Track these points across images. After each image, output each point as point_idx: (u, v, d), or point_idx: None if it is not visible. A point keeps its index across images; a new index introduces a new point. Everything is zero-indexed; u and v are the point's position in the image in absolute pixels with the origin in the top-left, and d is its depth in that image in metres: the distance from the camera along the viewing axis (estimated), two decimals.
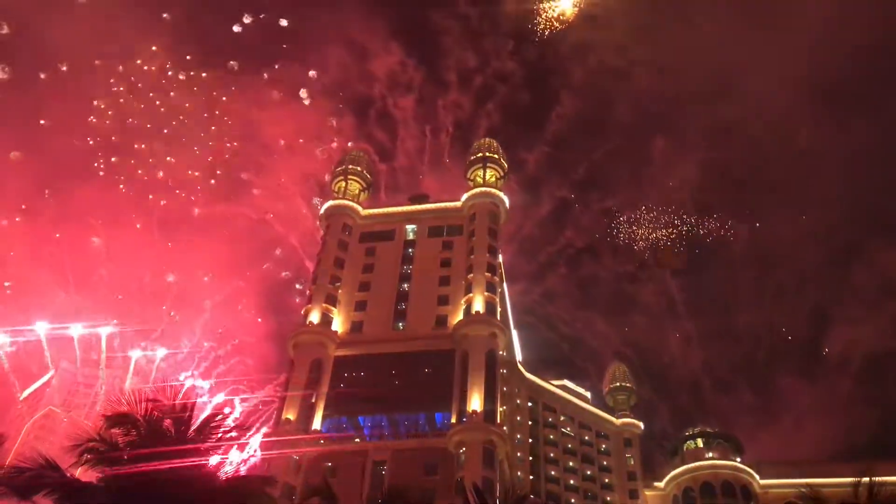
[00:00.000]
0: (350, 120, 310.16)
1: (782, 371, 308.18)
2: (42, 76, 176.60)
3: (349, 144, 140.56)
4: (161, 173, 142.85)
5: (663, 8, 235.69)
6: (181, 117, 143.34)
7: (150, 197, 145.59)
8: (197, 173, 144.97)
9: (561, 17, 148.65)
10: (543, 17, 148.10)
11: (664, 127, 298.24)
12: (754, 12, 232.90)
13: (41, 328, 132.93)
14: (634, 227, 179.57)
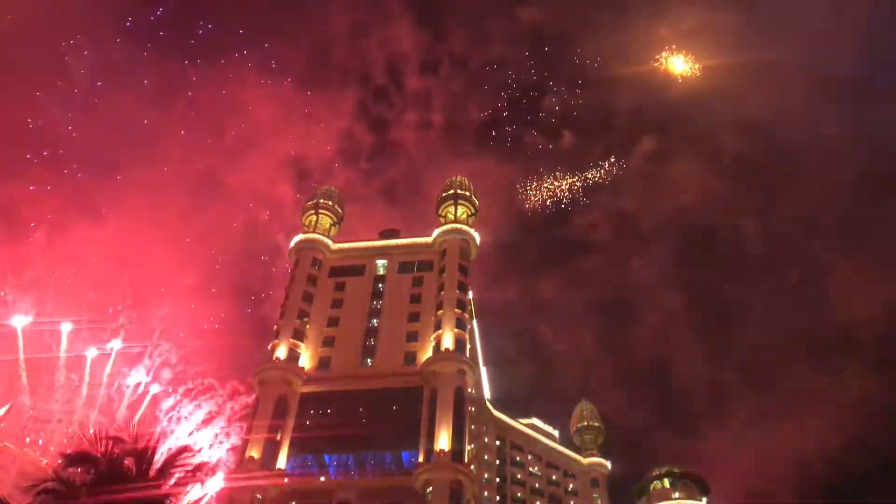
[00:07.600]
0: (340, 99, 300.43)
1: (784, 383, 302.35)
2: None
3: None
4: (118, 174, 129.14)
5: None
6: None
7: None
8: (165, 168, 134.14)
9: None
10: None
11: (663, 126, 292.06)
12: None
13: None
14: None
